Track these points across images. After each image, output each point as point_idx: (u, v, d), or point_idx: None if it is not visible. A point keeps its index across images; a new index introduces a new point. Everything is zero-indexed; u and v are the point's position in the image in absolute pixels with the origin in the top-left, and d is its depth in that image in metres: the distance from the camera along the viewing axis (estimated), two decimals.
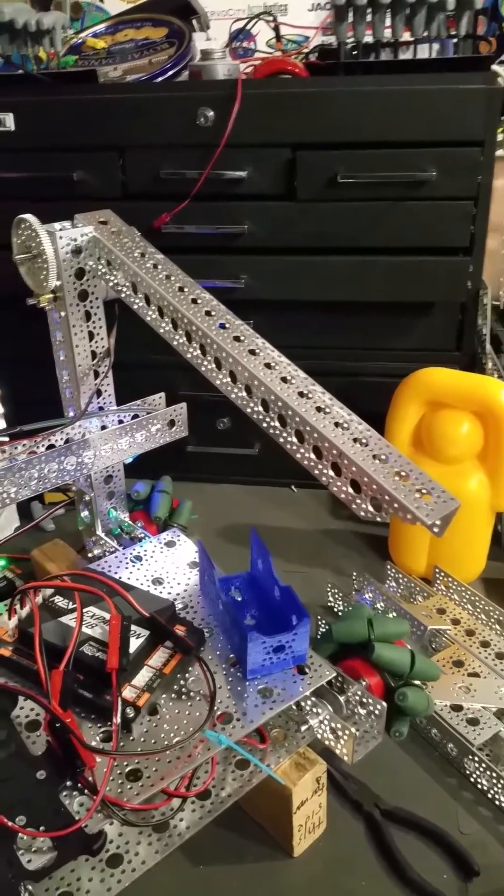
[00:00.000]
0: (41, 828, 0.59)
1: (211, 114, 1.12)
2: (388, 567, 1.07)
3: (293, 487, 1.37)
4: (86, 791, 0.62)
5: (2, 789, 0.61)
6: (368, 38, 1.16)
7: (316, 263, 1.19)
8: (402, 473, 0.61)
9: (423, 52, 1.25)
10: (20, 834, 0.58)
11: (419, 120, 1.08)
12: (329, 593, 1.05)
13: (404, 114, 1.08)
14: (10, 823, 0.58)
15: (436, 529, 0.59)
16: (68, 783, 0.62)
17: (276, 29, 1.41)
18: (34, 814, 0.60)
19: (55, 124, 1.18)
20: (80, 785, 0.62)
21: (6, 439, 0.88)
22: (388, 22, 1.12)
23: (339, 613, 1.03)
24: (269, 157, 1.14)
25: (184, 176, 1.16)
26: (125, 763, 0.64)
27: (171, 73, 1.23)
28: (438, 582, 1.04)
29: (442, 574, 1.04)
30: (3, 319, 1.34)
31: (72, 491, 1.08)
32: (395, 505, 0.60)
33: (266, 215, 1.18)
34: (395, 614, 0.96)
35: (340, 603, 1.03)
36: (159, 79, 1.23)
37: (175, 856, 0.67)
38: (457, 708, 0.85)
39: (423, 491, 0.60)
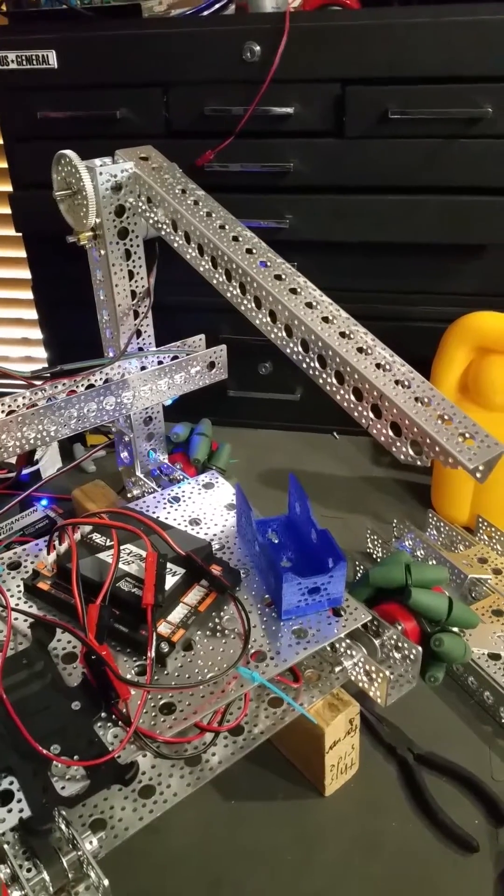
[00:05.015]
0: (75, 757, 0.60)
1: (257, 48, 1.09)
2: (430, 515, 1.06)
3: (335, 434, 1.35)
4: (119, 723, 0.63)
5: (38, 718, 0.62)
6: None
7: (364, 203, 1.16)
8: (445, 417, 0.60)
9: None
10: (55, 762, 0.60)
11: (479, 53, 1.03)
12: (368, 539, 1.04)
13: (464, 47, 1.03)
14: (44, 751, 0.59)
15: (478, 475, 0.58)
16: (103, 714, 0.63)
17: None
18: (69, 743, 0.61)
19: (98, 61, 1.16)
20: (114, 716, 0.63)
21: (47, 377, 0.88)
22: None
23: (378, 560, 1.02)
24: (318, 93, 1.10)
25: (229, 113, 1.13)
26: (159, 696, 0.65)
27: (216, 6, 1.19)
28: (481, 531, 1.03)
29: (485, 523, 1.02)
30: (44, 262, 1.34)
31: (112, 432, 1.08)
32: (437, 448, 0.59)
33: (313, 153, 1.14)
34: (434, 562, 0.95)
35: (379, 549, 1.03)
36: (205, 12, 1.19)
37: (206, 789, 0.67)
38: (495, 657, 0.85)
39: (467, 435, 0.59)
